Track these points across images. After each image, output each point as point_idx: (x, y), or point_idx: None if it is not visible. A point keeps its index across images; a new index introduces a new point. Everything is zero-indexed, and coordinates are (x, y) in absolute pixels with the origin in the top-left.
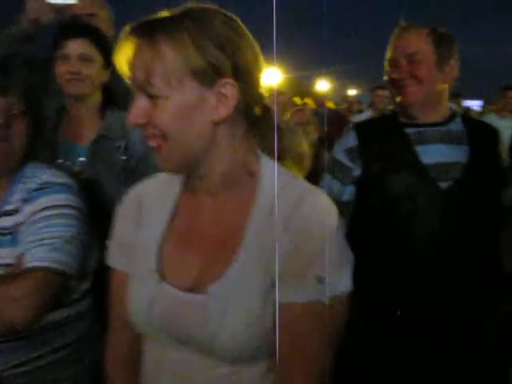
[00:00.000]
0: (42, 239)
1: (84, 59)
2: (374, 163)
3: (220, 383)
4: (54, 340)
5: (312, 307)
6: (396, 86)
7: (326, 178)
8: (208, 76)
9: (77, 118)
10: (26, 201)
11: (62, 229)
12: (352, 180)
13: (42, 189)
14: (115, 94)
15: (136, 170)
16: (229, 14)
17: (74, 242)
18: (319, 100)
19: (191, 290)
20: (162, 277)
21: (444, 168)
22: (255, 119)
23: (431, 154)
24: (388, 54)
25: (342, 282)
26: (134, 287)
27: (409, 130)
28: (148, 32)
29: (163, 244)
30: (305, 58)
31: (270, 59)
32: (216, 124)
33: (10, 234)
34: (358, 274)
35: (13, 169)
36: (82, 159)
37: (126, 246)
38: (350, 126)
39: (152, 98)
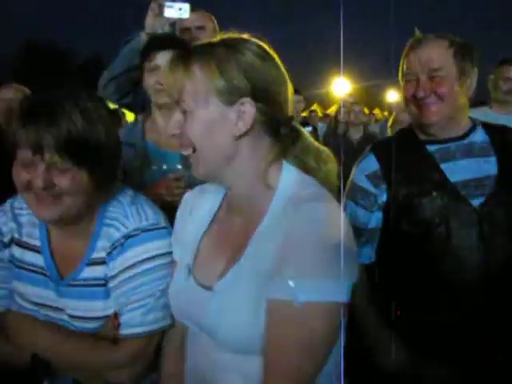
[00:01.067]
0: (134, 301)
1: None
2: (399, 187)
3: (224, 368)
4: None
5: (283, 307)
6: (416, 103)
7: (349, 206)
8: (229, 96)
9: (164, 127)
10: (111, 253)
11: (153, 285)
12: (378, 206)
13: (128, 238)
14: None
15: None
16: (260, 44)
17: (166, 292)
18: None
19: (209, 288)
20: (192, 272)
21: (474, 184)
22: (283, 138)
23: (458, 171)
24: (405, 68)
25: (317, 291)
26: (174, 276)
27: (430, 148)
28: (185, 56)
29: (200, 244)
30: (374, 68)
31: (338, 70)
32: (237, 139)
33: (102, 286)
34: (391, 301)
35: (93, 204)
36: (179, 166)
37: (178, 241)
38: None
39: (184, 112)
